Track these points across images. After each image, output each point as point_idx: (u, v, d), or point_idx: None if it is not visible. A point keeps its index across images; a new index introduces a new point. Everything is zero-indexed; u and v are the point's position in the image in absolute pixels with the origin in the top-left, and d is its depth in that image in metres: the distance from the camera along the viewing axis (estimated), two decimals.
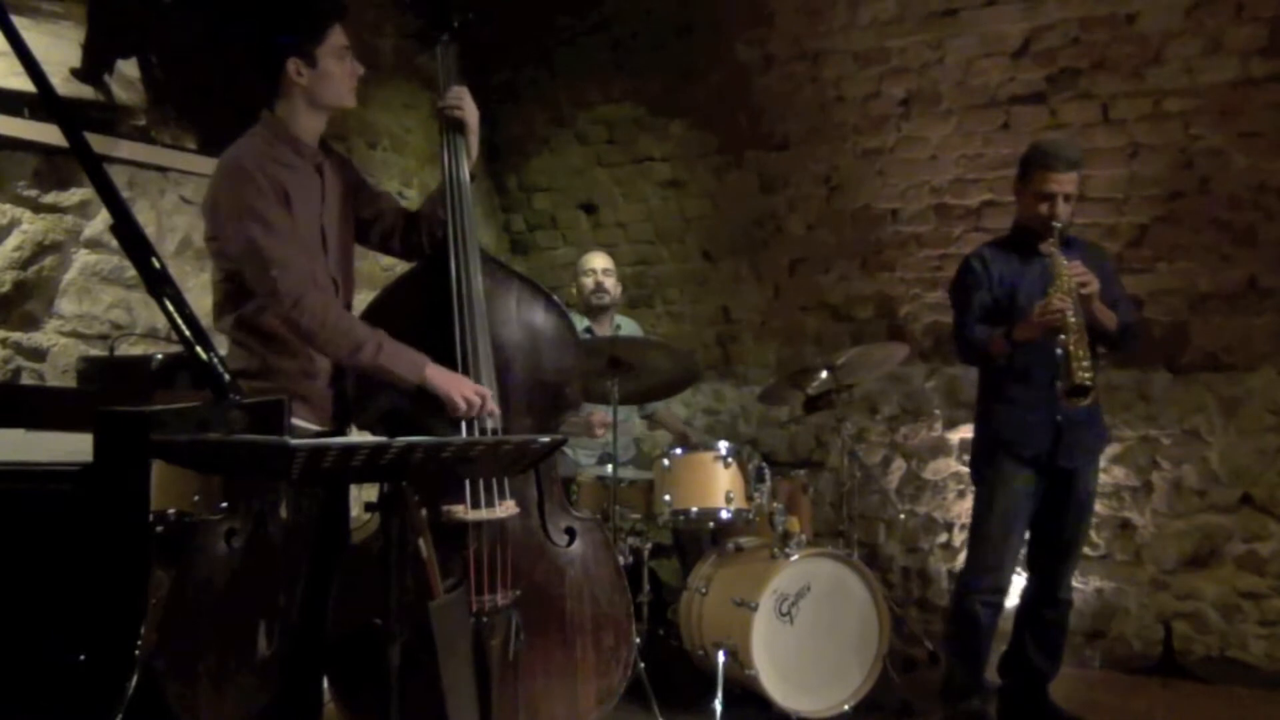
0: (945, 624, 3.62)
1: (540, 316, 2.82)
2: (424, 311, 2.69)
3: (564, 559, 2.72)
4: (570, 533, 2.74)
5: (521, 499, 2.66)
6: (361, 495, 2.97)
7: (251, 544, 2.39)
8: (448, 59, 2.85)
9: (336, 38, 2.59)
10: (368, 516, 2.57)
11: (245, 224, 2.44)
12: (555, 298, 2.88)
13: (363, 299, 2.86)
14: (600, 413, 4.23)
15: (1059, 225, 3.27)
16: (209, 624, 2.36)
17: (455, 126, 2.79)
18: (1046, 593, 3.45)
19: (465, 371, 2.60)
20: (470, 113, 2.79)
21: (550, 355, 2.80)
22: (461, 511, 2.53)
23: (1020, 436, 3.35)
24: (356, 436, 2.73)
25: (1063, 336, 3.13)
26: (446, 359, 2.60)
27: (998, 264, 3.42)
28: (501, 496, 2.59)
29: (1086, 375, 3.09)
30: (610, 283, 4.47)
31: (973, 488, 3.58)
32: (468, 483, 2.54)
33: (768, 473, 3.85)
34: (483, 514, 2.55)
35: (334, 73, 2.58)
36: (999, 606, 3.42)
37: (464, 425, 2.57)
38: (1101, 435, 3.54)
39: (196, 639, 2.35)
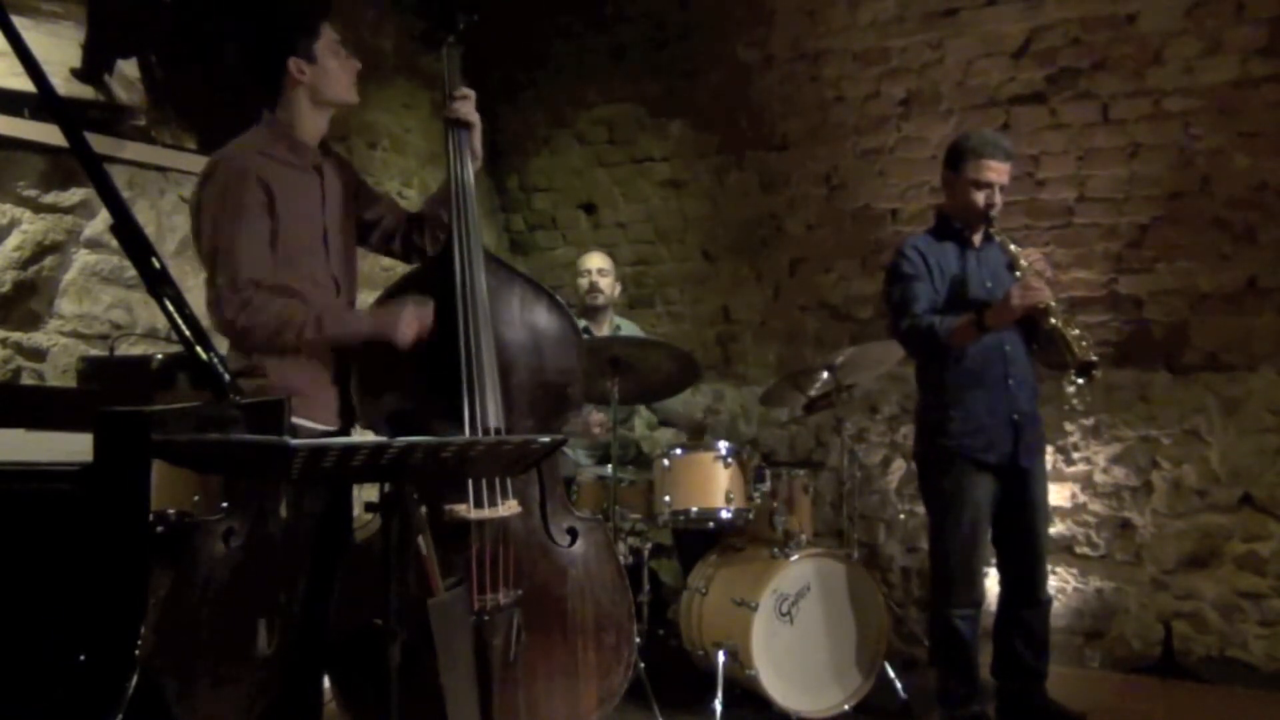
0: (929, 641, 3.60)
1: (543, 317, 2.81)
2: None
3: (566, 559, 2.72)
4: (572, 533, 2.74)
5: (524, 498, 2.66)
6: (362, 495, 2.97)
7: (251, 544, 2.39)
8: (453, 60, 2.86)
9: (329, 33, 2.63)
10: (369, 516, 2.57)
11: (219, 224, 2.45)
12: (558, 298, 2.87)
13: (362, 299, 2.86)
14: (598, 415, 4.23)
15: (995, 215, 3.28)
16: (209, 624, 2.36)
17: (461, 127, 2.79)
18: (1025, 596, 3.41)
19: (469, 372, 2.60)
20: (475, 114, 2.80)
21: (553, 356, 2.80)
22: (464, 510, 2.53)
23: (981, 441, 3.28)
24: (359, 436, 2.73)
25: (1053, 321, 3.09)
26: (450, 359, 2.60)
27: (934, 256, 3.37)
28: (504, 496, 2.59)
29: (1091, 352, 3.05)
30: (605, 283, 4.47)
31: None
32: (470, 481, 2.54)
33: (768, 473, 3.85)
34: (485, 513, 2.55)
35: (333, 68, 2.62)
36: (978, 615, 3.39)
37: (465, 425, 2.58)
38: (1043, 433, 3.51)
39: (196, 639, 2.35)
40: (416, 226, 2.87)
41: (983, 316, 3.18)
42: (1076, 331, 3.09)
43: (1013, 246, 3.22)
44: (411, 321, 2.55)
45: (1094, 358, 3.05)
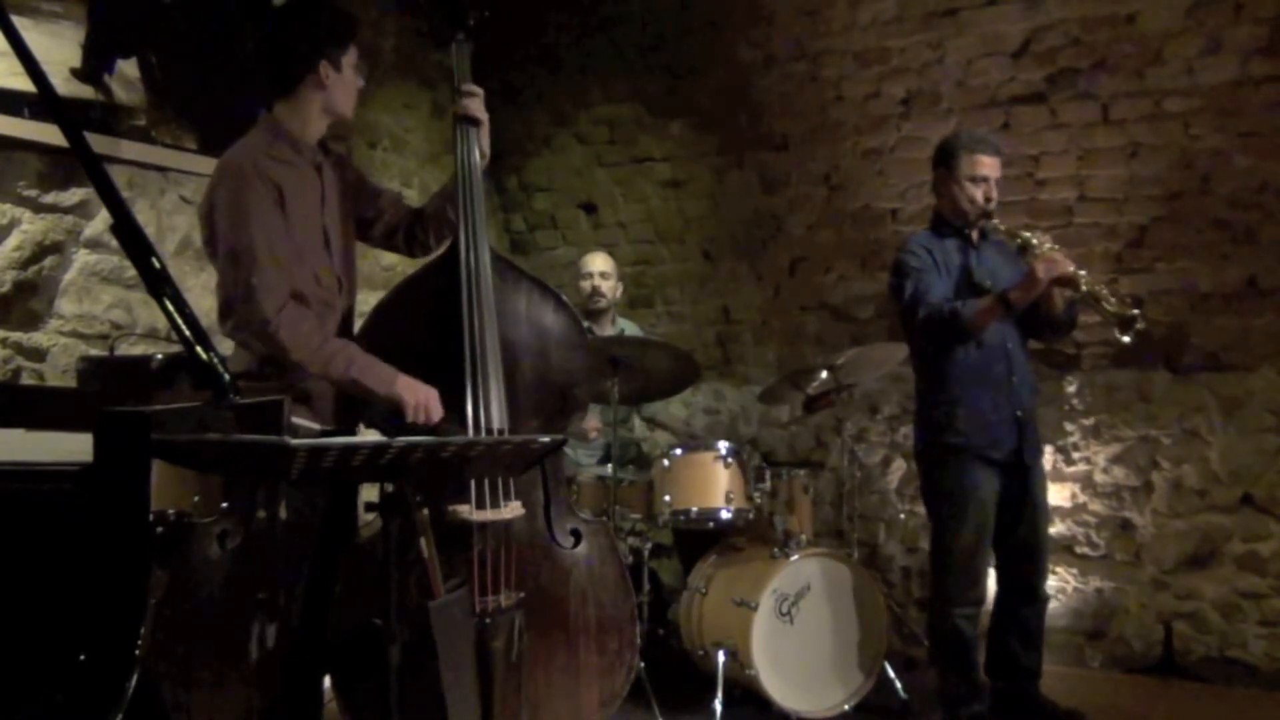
0: (928, 640, 3.61)
1: (550, 317, 2.81)
2: (433, 311, 2.68)
3: (569, 561, 2.71)
4: (576, 534, 2.74)
5: (527, 500, 2.65)
6: (362, 495, 2.97)
7: (249, 544, 2.39)
8: (462, 57, 2.86)
9: (354, 52, 2.66)
10: (370, 516, 2.57)
11: (237, 225, 2.45)
12: (565, 298, 2.87)
13: (362, 299, 2.86)
14: (594, 417, 4.22)
15: (993, 210, 3.34)
16: (209, 625, 2.36)
17: (470, 124, 2.79)
18: (1025, 594, 3.43)
19: (474, 371, 2.60)
20: (484, 112, 2.80)
21: (559, 356, 2.79)
22: (466, 512, 2.53)
23: (988, 438, 3.30)
24: (362, 436, 2.73)
25: (1084, 288, 3.15)
26: (455, 358, 2.60)
27: (938, 251, 3.41)
28: (507, 498, 2.59)
29: (1131, 307, 3.11)
30: (607, 286, 4.46)
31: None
32: (473, 483, 2.54)
33: (768, 473, 3.85)
34: (487, 515, 2.55)
35: (350, 83, 2.66)
36: (979, 614, 3.40)
37: (469, 425, 2.57)
38: (1039, 431, 3.54)
39: (196, 640, 2.35)
40: (420, 222, 2.88)
41: (1007, 294, 3.19)
42: (1108, 291, 3.16)
43: (1024, 233, 3.29)
44: (426, 403, 2.54)
45: (1135, 311, 3.09)
